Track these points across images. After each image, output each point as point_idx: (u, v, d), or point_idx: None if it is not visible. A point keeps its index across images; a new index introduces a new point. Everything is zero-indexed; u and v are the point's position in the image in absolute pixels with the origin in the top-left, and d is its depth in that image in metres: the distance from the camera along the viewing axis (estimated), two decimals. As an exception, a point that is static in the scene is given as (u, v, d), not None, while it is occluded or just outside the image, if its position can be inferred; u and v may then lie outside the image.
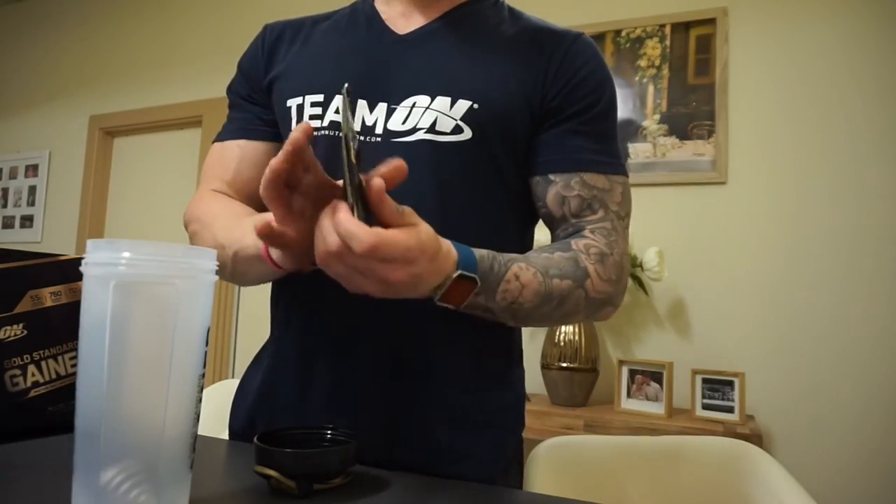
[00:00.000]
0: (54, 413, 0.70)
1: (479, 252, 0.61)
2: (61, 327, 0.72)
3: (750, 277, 1.97)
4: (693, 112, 2.08)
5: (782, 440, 1.87)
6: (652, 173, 2.11)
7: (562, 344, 1.89)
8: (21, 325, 0.68)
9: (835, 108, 1.94)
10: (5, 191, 3.63)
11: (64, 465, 0.57)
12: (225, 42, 3.06)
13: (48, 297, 0.71)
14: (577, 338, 1.89)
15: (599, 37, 2.23)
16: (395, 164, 0.52)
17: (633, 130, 2.15)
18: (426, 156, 0.69)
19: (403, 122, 0.70)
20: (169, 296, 0.40)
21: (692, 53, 2.11)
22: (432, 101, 0.70)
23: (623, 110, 2.17)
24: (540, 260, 0.67)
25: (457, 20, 0.77)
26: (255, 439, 0.53)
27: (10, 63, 3.75)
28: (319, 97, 0.73)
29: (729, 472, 0.97)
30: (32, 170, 3.55)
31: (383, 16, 0.78)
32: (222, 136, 0.83)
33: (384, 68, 0.73)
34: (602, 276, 0.69)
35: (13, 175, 3.61)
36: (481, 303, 0.62)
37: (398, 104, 0.71)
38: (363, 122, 0.71)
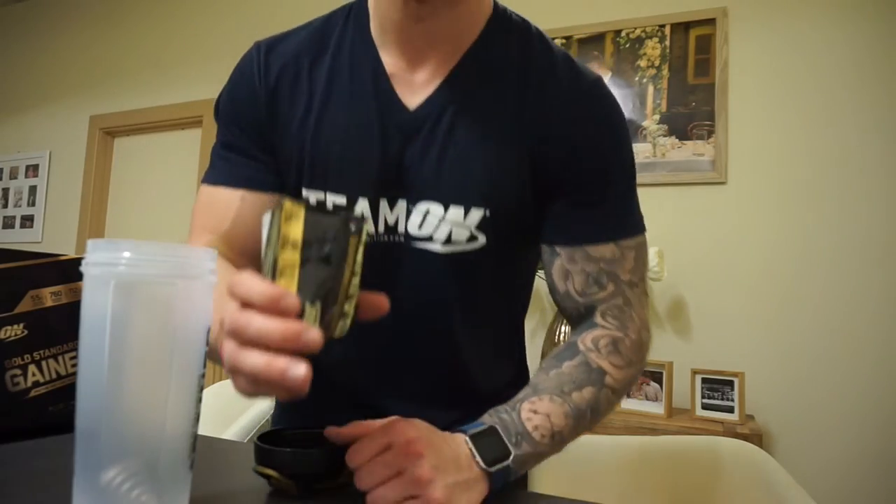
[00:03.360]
0: (54, 413, 0.70)
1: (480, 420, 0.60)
2: (61, 327, 0.72)
3: (750, 277, 1.97)
4: (693, 112, 2.08)
5: (782, 440, 1.87)
6: (652, 173, 2.11)
7: (561, 344, 1.89)
8: (21, 325, 0.68)
9: (834, 107, 1.94)
10: (6, 191, 3.63)
11: (64, 465, 0.57)
12: (225, 42, 3.06)
13: (48, 297, 0.71)
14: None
15: (599, 37, 2.23)
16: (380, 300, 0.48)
17: (633, 130, 2.15)
18: (442, 265, 0.69)
19: (420, 227, 0.68)
20: (169, 296, 0.40)
21: (692, 53, 2.11)
22: (446, 211, 0.67)
23: (623, 110, 2.17)
24: (550, 381, 0.64)
25: (466, 85, 0.68)
26: (255, 439, 0.53)
27: (10, 63, 3.75)
28: (342, 198, 0.68)
29: (729, 472, 0.97)
30: (33, 170, 3.55)
31: (388, 69, 0.69)
32: (217, 179, 0.72)
33: (399, 161, 0.68)
34: (619, 364, 0.67)
35: (13, 175, 3.62)
36: (529, 451, 0.58)
37: (414, 205, 0.68)
38: (386, 221, 0.68)
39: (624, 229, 0.70)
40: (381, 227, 0.69)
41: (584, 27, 2.25)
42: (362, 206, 0.68)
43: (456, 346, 0.74)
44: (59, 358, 0.71)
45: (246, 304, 0.41)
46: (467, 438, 0.56)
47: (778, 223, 1.96)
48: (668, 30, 2.15)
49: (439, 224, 0.68)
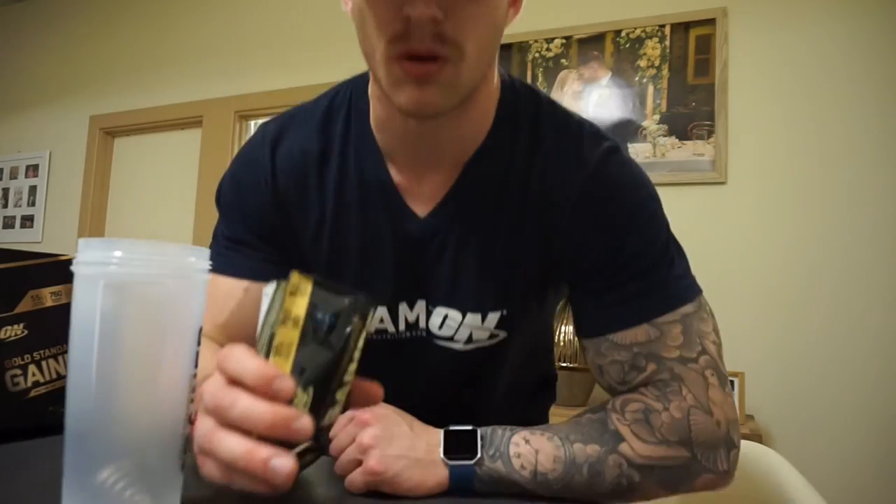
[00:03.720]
0: (54, 413, 0.70)
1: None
2: (62, 327, 0.71)
3: (749, 277, 1.96)
4: (693, 112, 2.08)
5: (782, 440, 1.87)
6: (652, 173, 2.09)
7: (562, 344, 1.89)
8: (21, 325, 0.68)
9: (834, 107, 1.94)
10: (6, 191, 3.63)
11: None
12: (225, 42, 3.06)
13: (48, 297, 0.71)
14: (576, 338, 1.89)
15: (599, 37, 2.23)
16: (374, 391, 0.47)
17: (633, 130, 2.15)
18: (465, 357, 0.70)
19: (440, 328, 0.69)
20: (160, 295, 0.39)
21: (692, 53, 2.11)
22: (463, 317, 0.67)
23: (623, 111, 2.17)
24: (564, 426, 0.60)
25: (473, 192, 0.66)
26: None
27: (10, 63, 3.75)
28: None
29: (739, 473, 0.97)
30: (33, 170, 3.55)
31: (394, 178, 0.66)
32: (220, 268, 0.68)
33: (414, 268, 0.68)
34: (644, 437, 0.58)
35: (14, 175, 3.62)
36: (501, 471, 0.55)
37: (433, 307, 0.68)
38: (406, 320, 0.69)
39: (656, 307, 0.61)
40: (402, 325, 0.69)
41: (584, 27, 2.25)
42: (381, 312, 0.68)
43: (480, 414, 0.74)
44: (60, 358, 0.71)
45: (233, 381, 0.38)
46: (444, 431, 0.57)
47: (778, 223, 1.96)
48: (668, 30, 2.15)
49: (458, 328, 0.68)
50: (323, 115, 0.70)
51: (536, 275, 0.67)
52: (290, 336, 0.38)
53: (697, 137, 2.07)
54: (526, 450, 0.56)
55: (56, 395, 0.71)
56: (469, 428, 0.58)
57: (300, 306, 0.38)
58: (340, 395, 0.40)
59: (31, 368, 0.69)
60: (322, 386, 0.38)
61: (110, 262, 0.38)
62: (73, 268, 0.39)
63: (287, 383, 0.37)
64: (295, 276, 0.39)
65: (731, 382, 1.76)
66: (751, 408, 1.89)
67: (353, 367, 0.40)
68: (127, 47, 3.35)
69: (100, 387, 0.37)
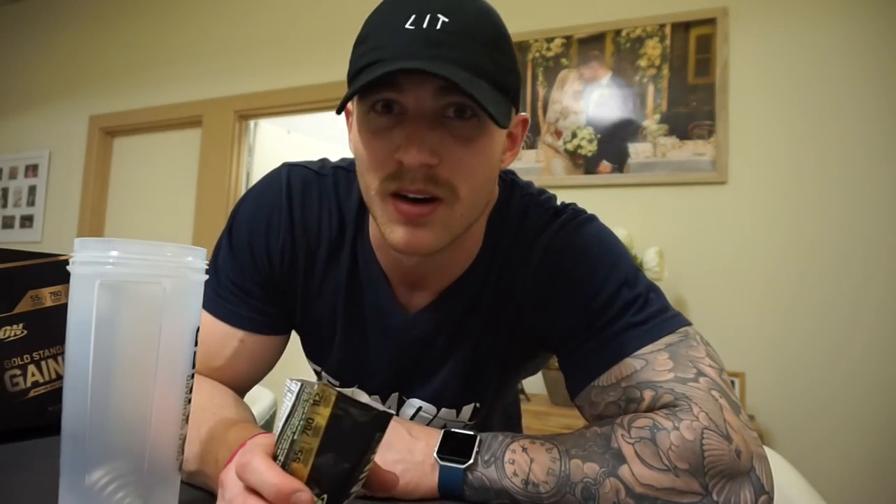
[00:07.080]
0: (54, 413, 0.70)
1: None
2: (61, 327, 0.71)
3: (750, 277, 1.96)
4: (693, 112, 2.08)
5: (782, 440, 1.87)
6: (652, 173, 2.11)
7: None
8: (21, 325, 0.68)
9: (835, 107, 1.93)
10: (5, 191, 3.63)
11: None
12: (225, 42, 3.06)
13: (48, 297, 0.71)
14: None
15: (599, 37, 2.23)
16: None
17: (633, 130, 2.15)
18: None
19: (411, 419, 0.72)
20: (156, 295, 0.39)
21: (692, 53, 2.11)
22: (438, 411, 0.71)
23: (623, 110, 2.17)
24: (568, 437, 0.57)
25: (460, 302, 0.69)
26: None
27: (10, 63, 3.75)
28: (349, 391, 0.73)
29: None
30: (32, 170, 3.55)
31: (391, 281, 0.69)
32: (218, 312, 0.69)
33: (395, 361, 0.71)
34: (648, 461, 0.52)
35: (13, 175, 3.61)
36: (493, 476, 0.55)
37: (406, 399, 0.72)
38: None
39: (634, 341, 0.59)
40: None
41: (584, 27, 2.25)
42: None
43: None
44: (59, 358, 0.71)
45: (252, 491, 0.39)
46: (444, 431, 0.58)
47: (779, 223, 1.96)
48: (668, 29, 2.15)
49: (432, 420, 0.72)
50: (345, 194, 0.70)
51: (510, 364, 0.71)
52: (310, 444, 0.39)
53: (698, 137, 2.07)
54: (521, 458, 0.55)
55: (55, 396, 0.71)
56: (470, 433, 0.58)
57: (323, 416, 0.39)
58: (355, 489, 0.41)
59: (31, 369, 0.69)
60: (337, 492, 0.40)
61: (106, 261, 0.38)
62: (70, 267, 0.39)
63: (305, 497, 0.37)
64: (320, 386, 0.40)
65: (732, 383, 1.75)
66: (751, 408, 1.89)
67: (368, 466, 0.41)
68: (127, 47, 3.35)
69: (95, 387, 0.37)
